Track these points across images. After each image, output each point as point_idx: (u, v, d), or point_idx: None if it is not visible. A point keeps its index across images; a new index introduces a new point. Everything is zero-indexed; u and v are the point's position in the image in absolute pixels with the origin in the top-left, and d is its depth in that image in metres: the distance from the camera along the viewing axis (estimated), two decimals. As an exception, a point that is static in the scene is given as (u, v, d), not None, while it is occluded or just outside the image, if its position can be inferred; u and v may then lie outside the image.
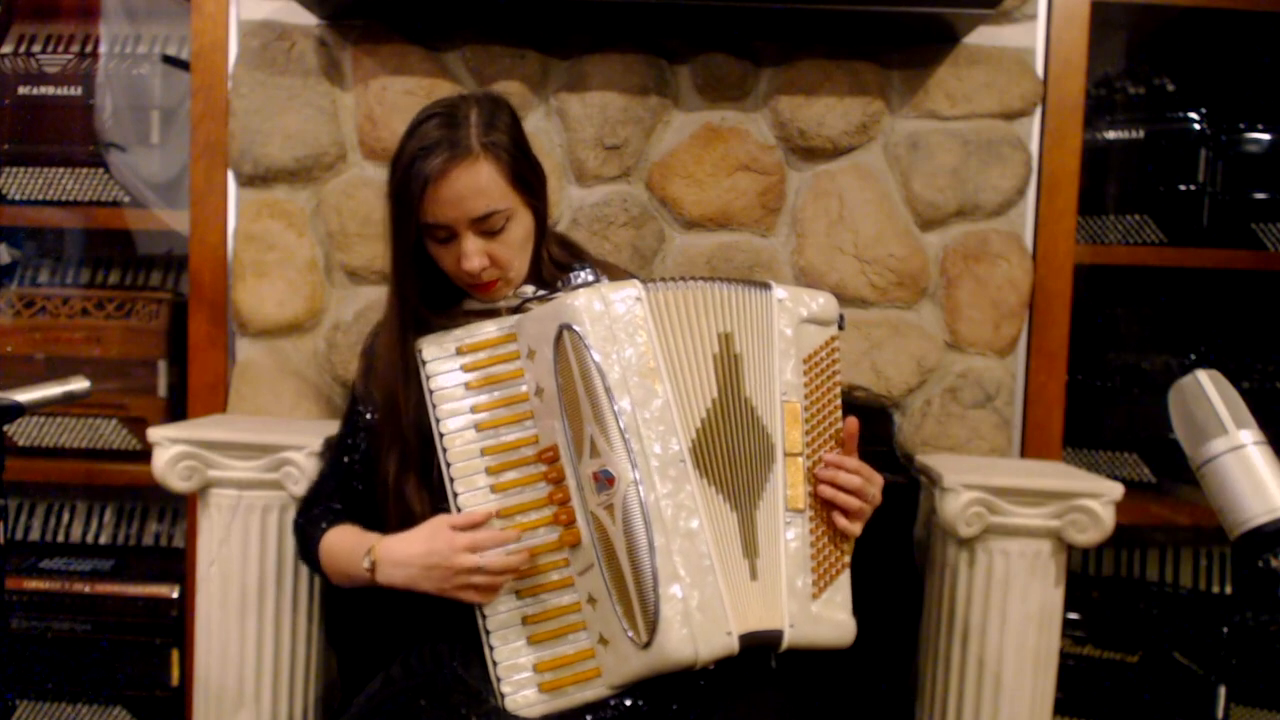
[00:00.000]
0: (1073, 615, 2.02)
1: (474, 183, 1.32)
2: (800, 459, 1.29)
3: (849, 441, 1.32)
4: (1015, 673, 1.61)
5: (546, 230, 1.46)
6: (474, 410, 1.29)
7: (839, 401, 1.34)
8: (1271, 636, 2.00)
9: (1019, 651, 1.61)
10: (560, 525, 1.25)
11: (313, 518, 1.45)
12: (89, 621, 2.00)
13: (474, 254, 1.35)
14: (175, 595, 2.00)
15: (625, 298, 1.25)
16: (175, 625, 1.99)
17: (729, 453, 1.25)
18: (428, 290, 1.42)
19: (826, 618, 1.27)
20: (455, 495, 1.27)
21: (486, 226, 1.34)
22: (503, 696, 1.24)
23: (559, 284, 1.33)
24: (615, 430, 1.20)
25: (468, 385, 1.30)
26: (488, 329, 1.31)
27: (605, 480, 1.20)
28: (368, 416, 1.45)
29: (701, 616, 1.17)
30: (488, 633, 1.25)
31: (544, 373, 1.25)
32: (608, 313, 1.23)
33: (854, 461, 1.31)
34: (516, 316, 1.32)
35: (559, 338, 1.23)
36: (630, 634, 1.19)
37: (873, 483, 1.31)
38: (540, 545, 1.26)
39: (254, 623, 1.64)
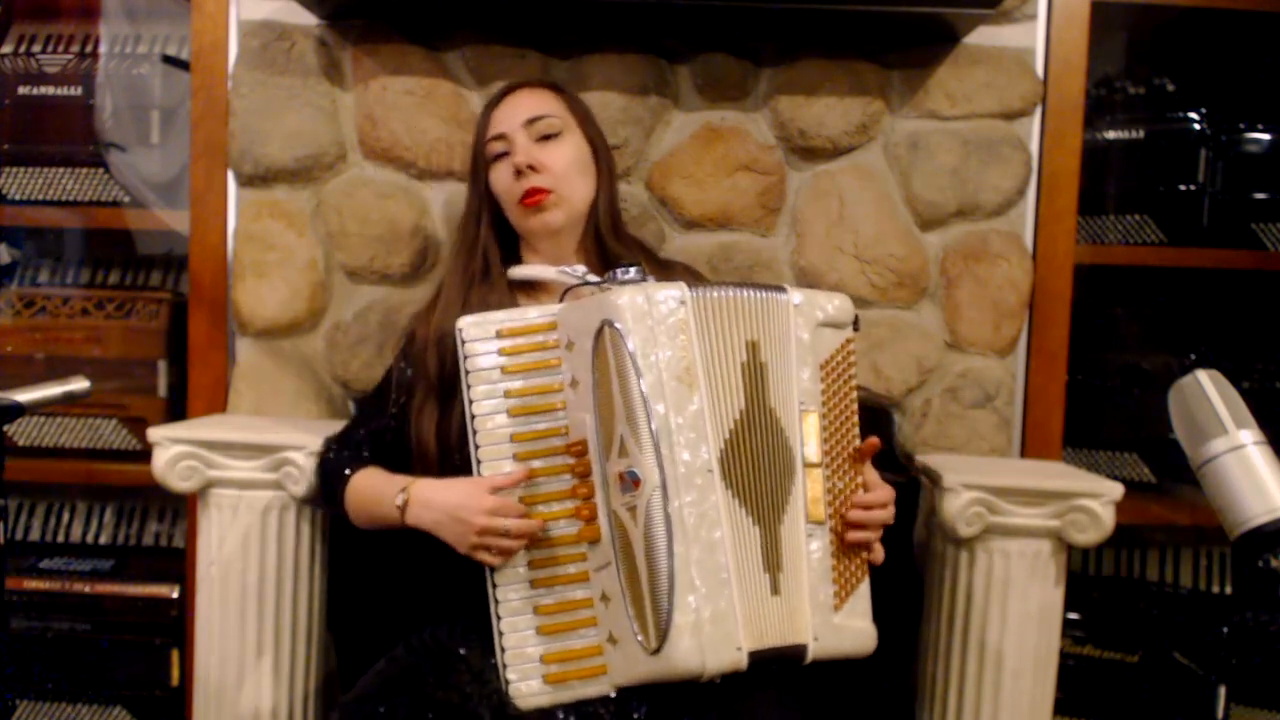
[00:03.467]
0: (1073, 615, 2.02)
1: (531, 97, 1.53)
2: (819, 470, 1.29)
3: (866, 456, 1.33)
4: (1015, 672, 1.61)
5: (610, 204, 1.56)
6: (507, 395, 1.28)
7: (855, 406, 1.34)
8: (1271, 636, 2.00)
9: (1019, 651, 1.61)
10: (581, 520, 1.26)
11: (341, 458, 1.50)
12: (89, 621, 2.00)
13: (520, 150, 1.47)
14: (175, 595, 1.99)
15: (669, 298, 1.24)
16: (175, 625, 1.99)
17: (754, 465, 1.25)
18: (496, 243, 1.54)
19: (849, 627, 1.28)
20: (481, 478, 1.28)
21: (538, 129, 1.48)
22: (508, 683, 1.25)
23: (608, 276, 1.33)
24: (646, 433, 1.19)
25: (504, 369, 1.29)
26: (530, 314, 1.31)
27: (631, 482, 1.20)
28: (409, 373, 1.50)
29: (713, 629, 1.17)
30: (499, 618, 1.26)
31: (581, 366, 1.25)
32: (650, 313, 1.22)
33: (877, 494, 1.32)
34: (561, 305, 1.32)
35: (599, 333, 1.23)
36: (640, 638, 1.19)
37: (889, 504, 1.33)
38: (559, 537, 1.27)
39: (254, 623, 1.64)
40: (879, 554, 1.32)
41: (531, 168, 1.46)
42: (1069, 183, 1.89)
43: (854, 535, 1.30)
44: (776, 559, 1.24)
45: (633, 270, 1.29)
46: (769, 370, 1.27)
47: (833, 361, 1.32)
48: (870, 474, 1.35)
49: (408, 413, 1.48)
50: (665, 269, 1.58)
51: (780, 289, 1.31)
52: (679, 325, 1.23)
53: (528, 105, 1.51)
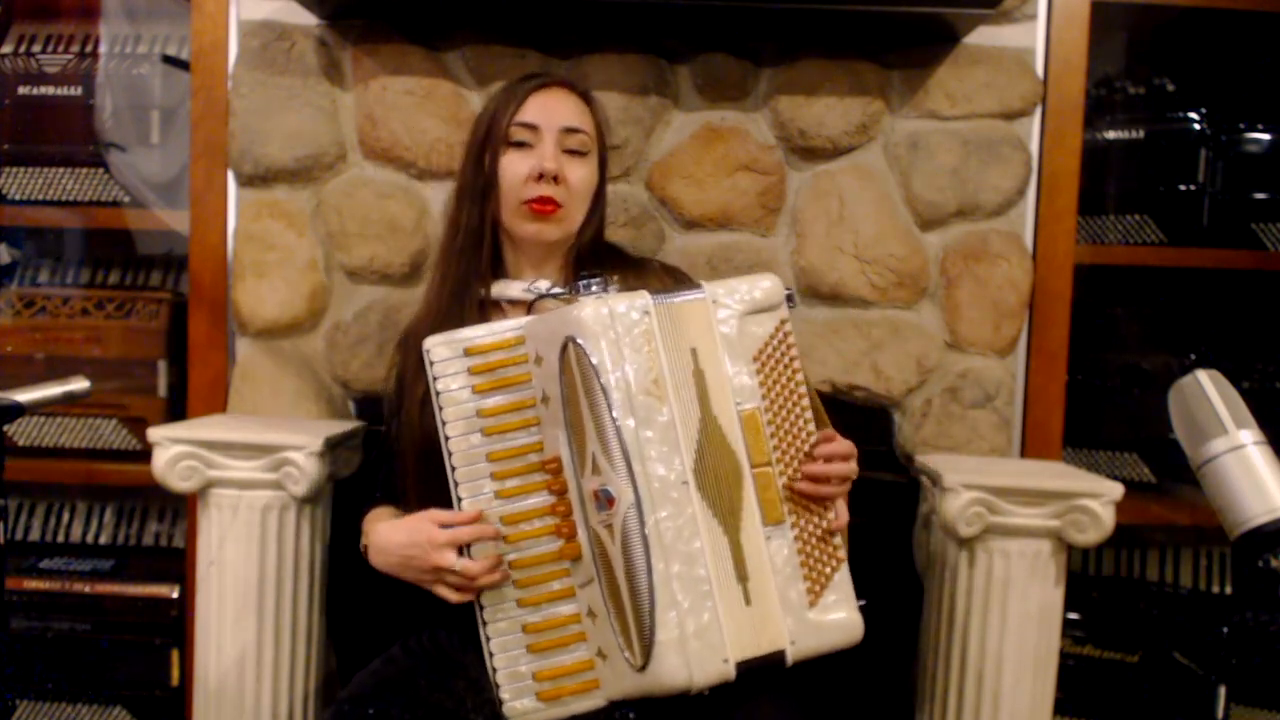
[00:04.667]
0: (1073, 615, 2.02)
1: (572, 104, 1.49)
2: (769, 469, 1.25)
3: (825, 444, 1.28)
4: (1015, 673, 1.61)
5: (599, 226, 1.55)
6: (480, 414, 1.26)
7: (804, 389, 1.29)
8: (1271, 636, 2.00)
9: (1019, 651, 1.61)
10: (562, 538, 1.24)
11: (363, 503, 1.50)
12: (89, 621, 2.00)
13: (550, 155, 1.44)
14: (175, 595, 2.00)
15: (633, 309, 1.21)
16: (175, 625, 2.00)
17: (716, 475, 1.22)
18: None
19: (828, 622, 1.25)
20: (459, 500, 1.26)
21: (570, 143, 1.45)
22: (501, 702, 1.25)
23: (571, 288, 1.31)
24: (617, 451, 1.17)
25: (475, 388, 1.27)
26: (498, 328, 1.29)
27: (605, 500, 1.18)
28: (408, 376, 1.48)
29: (698, 643, 1.16)
30: (488, 638, 1.26)
31: (550, 381, 1.23)
32: (614, 325, 1.19)
33: (824, 447, 1.27)
34: (528, 318, 1.30)
35: (564, 349, 1.20)
36: (626, 655, 1.19)
37: (850, 457, 1.28)
38: (541, 554, 1.25)
39: (254, 623, 1.64)
40: (843, 515, 1.28)
41: (555, 178, 1.43)
42: (1069, 183, 1.89)
43: (803, 486, 1.25)
44: (743, 568, 1.22)
45: (595, 282, 1.26)
46: (706, 375, 1.24)
47: (767, 349, 1.27)
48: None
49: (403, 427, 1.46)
50: (639, 269, 1.55)
51: (696, 287, 1.26)
52: (644, 336, 1.20)
53: (569, 111, 1.47)
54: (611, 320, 1.20)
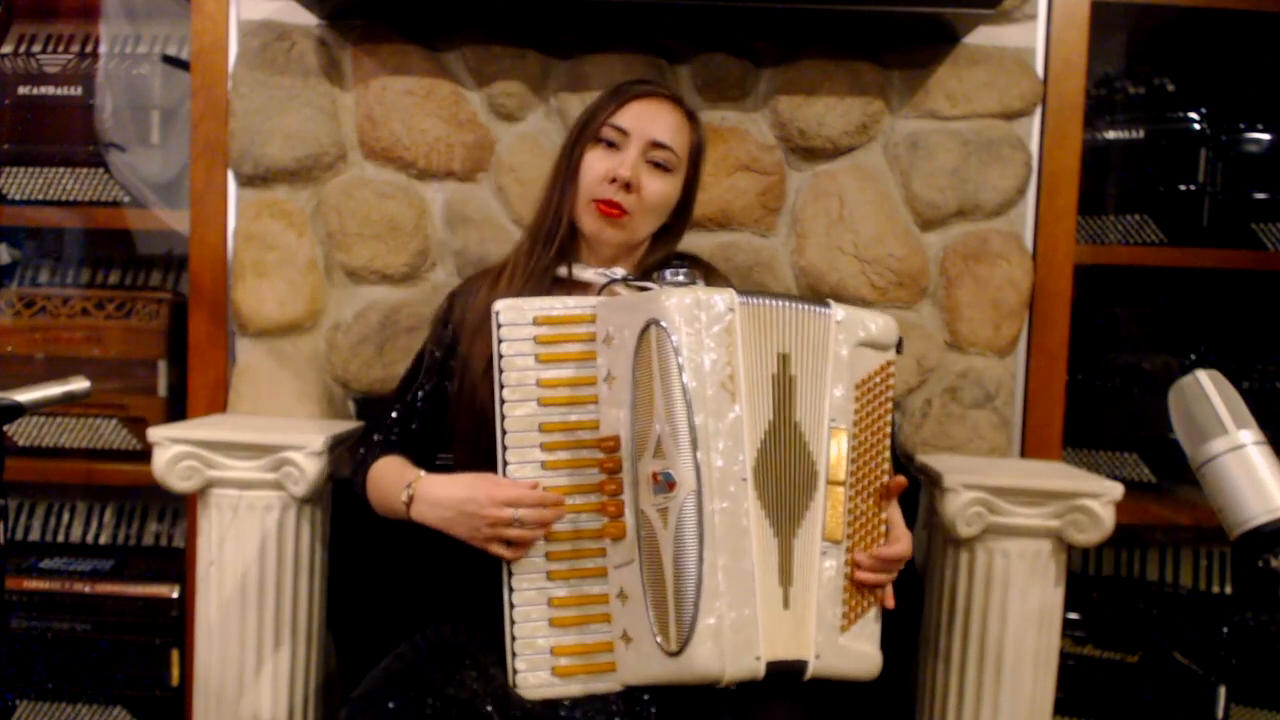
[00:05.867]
0: (1073, 615, 2.02)
1: (672, 120, 1.49)
2: (842, 489, 1.28)
3: (892, 495, 1.33)
4: (1015, 672, 1.61)
5: (670, 243, 1.56)
6: (539, 384, 1.27)
7: (889, 430, 1.33)
8: (1271, 636, 2.00)
9: (1019, 651, 1.61)
10: (606, 516, 1.25)
11: (368, 444, 1.51)
12: (89, 621, 2.00)
13: (629, 163, 1.45)
14: (175, 595, 2.00)
15: (719, 304, 1.23)
16: (175, 625, 1.99)
17: (777, 478, 1.24)
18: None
19: (853, 650, 1.27)
20: (506, 464, 1.27)
21: (655, 156, 1.46)
22: (515, 672, 1.25)
23: (654, 276, 1.33)
24: (686, 437, 1.18)
25: (538, 358, 1.27)
26: (569, 303, 1.30)
27: (665, 483, 1.19)
28: (438, 355, 1.50)
29: (734, 636, 1.17)
30: (512, 606, 1.26)
31: (620, 361, 1.24)
32: (699, 316, 1.21)
33: (894, 549, 1.31)
34: (599, 298, 1.31)
35: (645, 331, 1.22)
36: (659, 639, 1.19)
37: (905, 557, 1.32)
38: (581, 531, 1.26)
39: (254, 623, 1.64)
40: (889, 598, 1.31)
41: (628, 185, 1.44)
42: (1069, 183, 1.89)
43: (864, 575, 1.29)
44: (789, 573, 1.24)
45: (682, 273, 1.29)
46: (797, 384, 1.26)
47: (870, 382, 1.31)
48: (894, 513, 1.35)
49: (451, 373, 1.47)
50: (711, 275, 1.58)
51: (825, 304, 1.30)
52: (726, 331, 1.22)
53: (665, 126, 1.47)
54: (697, 309, 1.22)
